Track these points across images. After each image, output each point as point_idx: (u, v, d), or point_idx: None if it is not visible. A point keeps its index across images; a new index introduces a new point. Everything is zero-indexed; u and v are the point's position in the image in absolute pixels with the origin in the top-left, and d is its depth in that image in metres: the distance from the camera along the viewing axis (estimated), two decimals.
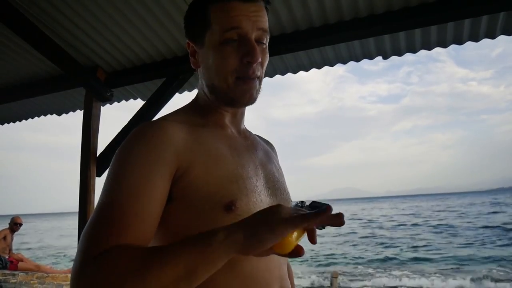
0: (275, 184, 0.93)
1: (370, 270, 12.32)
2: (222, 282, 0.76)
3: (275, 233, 0.61)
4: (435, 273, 11.43)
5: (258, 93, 0.88)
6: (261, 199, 0.84)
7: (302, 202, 0.81)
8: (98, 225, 0.68)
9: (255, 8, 0.83)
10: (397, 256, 14.77)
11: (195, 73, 2.91)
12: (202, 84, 0.92)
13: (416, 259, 14.09)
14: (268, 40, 0.88)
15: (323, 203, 0.74)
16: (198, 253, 0.62)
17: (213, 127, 0.90)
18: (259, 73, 0.85)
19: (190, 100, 0.98)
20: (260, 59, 0.82)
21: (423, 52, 2.61)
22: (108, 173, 0.77)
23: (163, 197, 0.76)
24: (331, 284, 7.23)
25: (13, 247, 7.12)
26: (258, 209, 0.80)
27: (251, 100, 0.87)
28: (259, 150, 0.97)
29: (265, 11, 0.86)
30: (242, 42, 0.81)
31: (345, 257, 15.33)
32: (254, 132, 1.07)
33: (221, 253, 0.62)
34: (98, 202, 0.73)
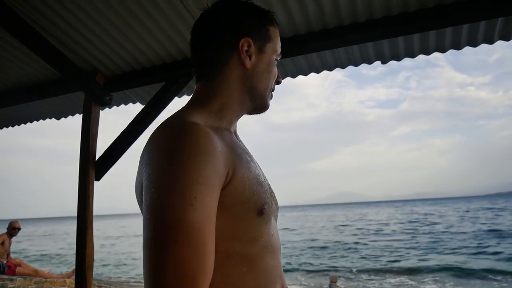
0: (269, 185, 0.95)
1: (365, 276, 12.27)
2: (237, 280, 0.79)
3: None
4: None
5: None
6: (273, 202, 0.89)
7: None
8: (184, 255, 0.65)
9: None
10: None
11: (194, 77, 2.91)
12: (238, 83, 0.93)
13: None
14: None
15: None
16: None
17: (226, 131, 0.90)
18: None
19: (189, 101, 0.95)
20: None
21: (421, 57, 2.62)
22: (163, 185, 0.69)
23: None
24: None
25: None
26: (272, 212, 0.87)
27: (268, 109, 1.04)
28: (243, 150, 0.98)
29: None
30: (276, 66, 1.01)
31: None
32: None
33: None
34: (171, 219, 0.66)
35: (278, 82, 1.03)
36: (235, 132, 0.99)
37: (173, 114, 0.86)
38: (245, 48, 0.91)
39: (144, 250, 0.67)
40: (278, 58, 1.00)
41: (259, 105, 0.99)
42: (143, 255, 0.67)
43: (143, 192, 0.73)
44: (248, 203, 0.80)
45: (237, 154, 0.83)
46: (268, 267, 0.84)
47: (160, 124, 0.81)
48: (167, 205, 0.67)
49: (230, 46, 0.91)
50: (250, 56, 0.92)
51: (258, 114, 1.04)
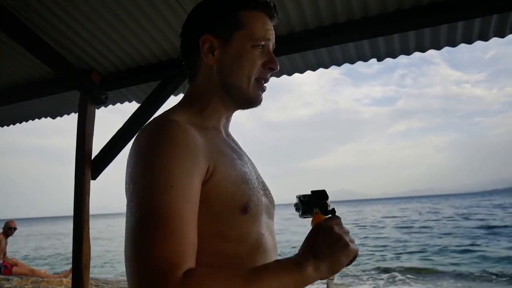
0: (263, 183, 0.96)
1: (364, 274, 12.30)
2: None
3: (349, 262, 0.75)
4: None
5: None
6: (262, 200, 0.88)
7: (304, 196, 0.87)
8: (164, 240, 0.65)
9: (273, 28, 0.95)
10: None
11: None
12: (212, 81, 0.92)
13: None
14: None
15: (320, 191, 0.87)
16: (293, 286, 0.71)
17: (213, 130, 0.90)
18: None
19: (179, 101, 0.96)
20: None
21: (417, 54, 2.63)
22: (140, 178, 0.72)
23: (198, 202, 0.76)
24: (327, 286, 7.21)
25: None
26: (262, 210, 0.86)
27: (260, 102, 0.96)
28: (243, 152, 1.00)
29: None
30: (267, 51, 0.92)
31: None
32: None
33: (308, 284, 0.72)
34: (146, 209, 0.68)
35: (271, 69, 0.93)
36: (226, 132, 0.98)
37: (159, 114, 0.88)
38: (206, 45, 0.90)
39: (125, 239, 0.69)
40: (262, 43, 0.91)
41: (240, 99, 0.93)
42: (125, 243, 0.69)
43: (125, 186, 0.76)
44: (232, 200, 0.80)
45: (220, 151, 0.84)
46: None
47: (145, 124, 0.83)
48: (145, 195, 0.70)
49: (195, 46, 0.91)
50: (213, 52, 0.90)
51: (251, 108, 0.97)
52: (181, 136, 0.75)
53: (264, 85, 0.95)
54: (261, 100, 0.95)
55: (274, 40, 0.95)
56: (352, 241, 0.75)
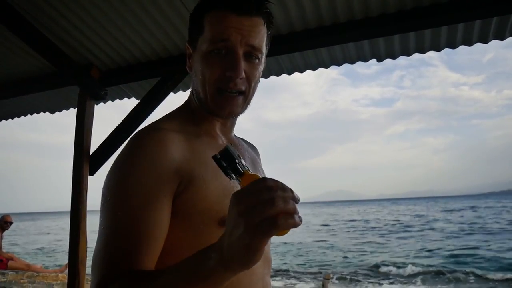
0: None
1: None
2: None
3: (259, 251, 0.51)
4: None
5: (243, 108, 0.87)
6: None
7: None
8: (106, 255, 0.70)
9: (250, 23, 0.79)
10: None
11: (190, 73, 2.90)
12: (193, 89, 0.92)
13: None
14: (263, 56, 0.86)
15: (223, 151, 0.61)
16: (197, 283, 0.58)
17: (206, 137, 0.88)
18: (243, 88, 0.82)
19: (183, 102, 0.97)
20: (242, 75, 0.80)
21: (415, 56, 2.63)
22: (107, 189, 0.76)
23: (168, 216, 0.75)
24: (323, 286, 7.23)
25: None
26: None
27: (231, 114, 0.86)
28: (246, 159, 0.97)
29: (264, 27, 0.83)
30: (228, 55, 0.79)
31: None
32: (244, 135, 1.08)
33: (221, 280, 0.58)
34: (102, 225, 0.73)
35: (230, 77, 0.79)
36: (229, 138, 0.95)
37: (155, 120, 0.90)
38: (188, 53, 0.91)
39: None
40: (219, 45, 0.79)
41: (206, 109, 0.86)
42: None
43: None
44: (208, 212, 0.77)
45: (202, 162, 0.80)
46: (242, 283, 0.79)
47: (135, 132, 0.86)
48: (104, 210, 0.74)
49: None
50: (189, 60, 0.91)
51: (227, 118, 0.89)
52: (153, 151, 0.75)
53: (236, 96, 0.83)
54: (230, 111, 0.84)
55: (247, 38, 0.79)
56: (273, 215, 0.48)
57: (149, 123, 0.88)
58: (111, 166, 0.78)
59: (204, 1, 0.83)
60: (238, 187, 0.60)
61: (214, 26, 0.79)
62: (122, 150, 0.79)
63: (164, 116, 0.91)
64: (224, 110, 0.84)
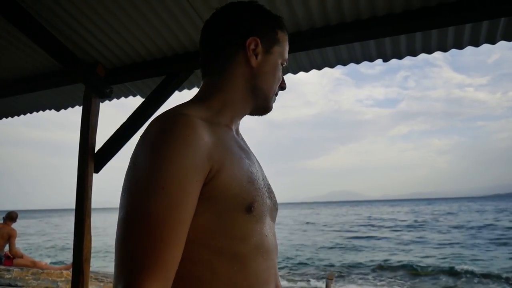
0: (269, 185, 0.96)
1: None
2: (227, 279, 0.78)
3: None
4: None
5: None
6: (266, 201, 0.87)
7: None
8: (144, 242, 0.68)
9: None
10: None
11: (195, 71, 2.91)
12: (241, 82, 0.94)
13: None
14: None
15: None
16: None
17: (224, 127, 0.90)
18: None
19: (194, 95, 0.97)
20: None
21: (420, 56, 2.63)
22: (136, 172, 0.73)
23: (196, 203, 0.75)
24: (326, 286, 7.21)
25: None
26: (266, 211, 0.86)
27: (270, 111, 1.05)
28: (251, 152, 1.01)
29: None
30: (282, 72, 1.03)
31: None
32: (248, 134, 1.11)
33: None
34: (134, 206, 0.70)
35: (282, 88, 1.03)
36: (237, 131, 0.99)
37: (173, 107, 0.87)
38: (252, 47, 0.93)
39: (116, 227, 0.72)
40: (284, 64, 1.01)
41: (261, 106, 1.00)
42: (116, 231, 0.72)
43: (125, 174, 0.77)
44: (236, 199, 0.79)
45: (228, 149, 0.83)
46: (260, 268, 0.83)
47: (156, 116, 0.82)
48: (135, 193, 0.71)
49: (237, 44, 0.93)
50: (256, 55, 0.94)
51: (260, 116, 1.04)
52: (187, 132, 0.74)
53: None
54: (271, 109, 1.04)
55: None
56: None
57: (171, 108, 0.86)
58: (138, 152, 0.76)
59: (278, 19, 1.00)
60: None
61: (286, 47, 1.01)
62: (149, 133, 0.76)
63: (183, 104, 0.90)
64: (270, 108, 1.03)
